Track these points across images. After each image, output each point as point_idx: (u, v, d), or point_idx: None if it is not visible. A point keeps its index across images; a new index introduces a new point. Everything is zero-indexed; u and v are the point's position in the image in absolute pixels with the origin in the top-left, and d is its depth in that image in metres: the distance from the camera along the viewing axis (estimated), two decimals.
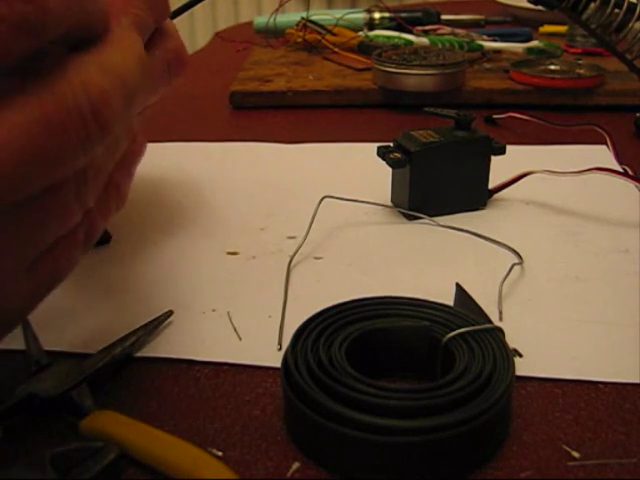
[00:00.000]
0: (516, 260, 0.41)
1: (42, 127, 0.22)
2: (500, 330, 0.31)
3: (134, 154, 0.33)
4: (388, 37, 0.84)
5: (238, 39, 0.96)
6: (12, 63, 0.22)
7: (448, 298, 0.35)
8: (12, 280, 0.25)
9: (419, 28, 0.91)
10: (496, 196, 0.49)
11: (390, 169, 0.47)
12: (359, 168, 0.55)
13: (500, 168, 0.48)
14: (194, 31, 2.37)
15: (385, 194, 0.49)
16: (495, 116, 0.65)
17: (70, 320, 0.36)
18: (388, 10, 0.98)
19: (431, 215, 0.46)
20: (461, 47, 0.81)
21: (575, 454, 0.28)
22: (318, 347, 0.30)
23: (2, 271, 0.24)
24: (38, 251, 0.25)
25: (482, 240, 0.44)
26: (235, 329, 0.36)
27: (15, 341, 0.34)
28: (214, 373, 0.33)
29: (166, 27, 0.32)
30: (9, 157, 0.22)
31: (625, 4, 0.65)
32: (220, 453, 0.28)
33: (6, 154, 0.21)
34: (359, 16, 0.97)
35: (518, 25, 1.03)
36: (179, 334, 0.35)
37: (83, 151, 0.24)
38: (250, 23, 1.05)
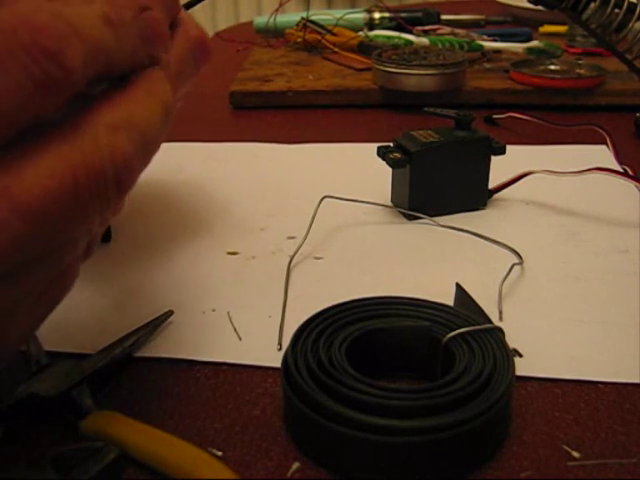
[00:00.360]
0: (516, 260, 0.41)
1: (69, 188, 0.22)
2: (500, 330, 0.31)
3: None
4: (388, 37, 0.84)
5: (238, 39, 0.96)
6: (32, 120, 0.21)
7: (448, 298, 0.35)
8: (22, 312, 0.24)
9: (419, 28, 0.91)
10: (496, 196, 0.49)
11: (390, 169, 0.47)
12: (359, 168, 0.55)
13: (500, 168, 0.48)
14: None
15: (385, 194, 0.49)
16: (495, 116, 0.65)
17: (70, 320, 0.36)
18: (388, 10, 0.98)
19: (431, 215, 0.46)
20: (461, 47, 0.81)
21: (575, 454, 0.28)
22: (318, 347, 0.30)
23: (13, 309, 0.24)
24: (42, 289, 0.25)
25: (482, 240, 0.44)
26: (235, 329, 0.36)
27: None
28: (214, 373, 0.33)
29: (182, 17, 0.32)
30: (29, 216, 0.21)
31: (625, 4, 0.65)
32: (220, 453, 0.28)
33: (26, 213, 0.21)
34: (359, 16, 0.97)
35: (518, 25, 1.03)
36: (179, 334, 0.35)
37: (100, 212, 0.23)
38: (250, 23, 1.05)
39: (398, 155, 0.45)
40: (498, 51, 0.83)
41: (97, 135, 0.23)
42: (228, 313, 0.37)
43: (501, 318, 0.36)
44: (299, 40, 0.88)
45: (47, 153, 0.22)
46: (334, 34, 0.87)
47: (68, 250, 0.25)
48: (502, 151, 0.47)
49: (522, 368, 0.32)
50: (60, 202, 0.22)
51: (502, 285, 0.39)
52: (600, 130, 0.56)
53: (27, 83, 0.20)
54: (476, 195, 0.48)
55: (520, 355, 0.33)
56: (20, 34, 0.20)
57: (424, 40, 0.82)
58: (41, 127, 0.22)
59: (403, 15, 0.96)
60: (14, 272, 0.22)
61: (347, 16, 0.94)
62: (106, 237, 0.43)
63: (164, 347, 0.34)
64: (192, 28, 0.32)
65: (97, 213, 0.23)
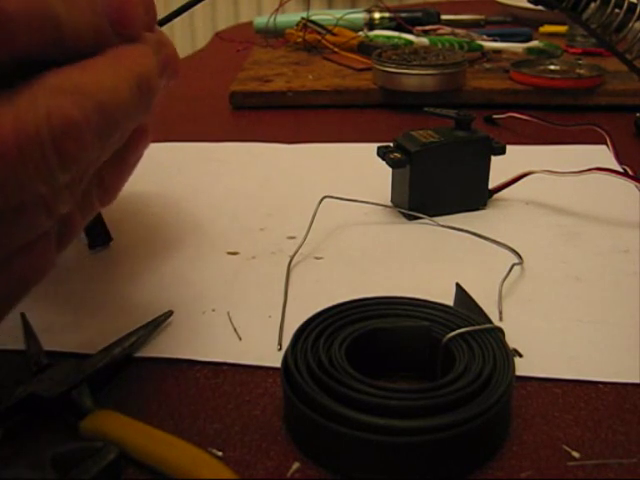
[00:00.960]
0: (516, 260, 0.41)
1: None
2: (500, 330, 0.31)
3: (130, 150, 0.30)
4: (388, 37, 0.84)
5: (238, 39, 0.96)
6: None
7: (448, 298, 0.35)
8: None
9: (419, 28, 0.91)
10: (496, 196, 0.49)
11: (390, 169, 0.47)
12: (359, 168, 0.54)
13: (500, 168, 0.48)
14: (194, 31, 2.37)
15: (385, 194, 0.49)
16: (495, 116, 0.65)
17: (70, 320, 0.36)
18: (388, 10, 0.98)
19: (431, 215, 0.46)
20: (461, 47, 0.81)
21: (575, 454, 0.28)
22: (318, 347, 0.30)
23: None
24: (2, 256, 0.24)
25: (482, 240, 0.44)
26: (235, 329, 0.36)
27: (15, 341, 0.34)
28: (214, 373, 0.33)
29: (158, 33, 0.31)
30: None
31: (625, 4, 0.65)
32: (220, 453, 0.28)
33: None
34: (359, 16, 0.97)
35: (518, 25, 1.03)
36: (179, 334, 0.35)
37: (42, 181, 0.22)
38: (250, 23, 1.05)
39: (398, 155, 0.45)
40: (498, 51, 0.83)
41: (35, 96, 0.21)
42: (228, 313, 0.37)
43: (501, 318, 0.36)
44: (299, 40, 0.88)
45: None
46: (334, 34, 0.87)
47: (22, 221, 0.23)
48: (502, 151, 0.47)
49: (522, 368, 0.32)
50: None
51: (502, 285, 0.39)
52: (600, 130, 0.56)
53: None
54: (476, 195, 0.48)
55: (520, 355, 0.33)
56: None
57: (424, 40, 0.82)
58: None
59: (403, 15, 0.96)
60: None
61: (347, 16, 0.94)
62: (106, 239, 0.43)
63: (164, 347, 0.34)
64: (166, 41, 0.31)
65: (39, 181, 0.22)
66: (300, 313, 0.32)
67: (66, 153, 0.22)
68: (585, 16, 0.66)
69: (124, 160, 0.29)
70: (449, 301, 0.35)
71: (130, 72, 0.25)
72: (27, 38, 0.22)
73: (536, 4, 0.69)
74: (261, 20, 0.99)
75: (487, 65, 0.79)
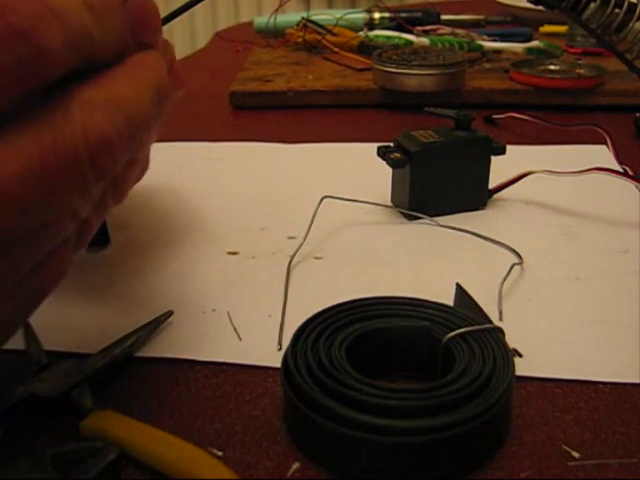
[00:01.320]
0: (516, 260, 0.41)
1: (37, 170, 0.21)
2: (500, 330, 0.31)
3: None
4: (388, 37, 0.85)
5: (238, 39, 0.96)
6: (9, 105, 0.21)
7: (448, 298, 0.35)
8: (4, 296, 0.24)
9: (419, 28, 0.91)
10: (496, 196, 0.49)
11: (390, 169, 0.47)
12: (359, 168, 0.54)
13: (500, 168, 0.48)
14: (194, 31, 2.37)
15: (385, 194, 0.49)
16: (495, 116, 0.65)
17: (70, 320, 0.36)
18: (388, 10, 0.98)
19: (431, 215, 0.46)
20: (461, 47, 0.81)
21: (575, 454, 0.28)
22: (318, 347, 0.30)
23: None
24: (22, 274, 0.24)
25: (482, 240, 0.44)
26: (235, 329, 0.36)
27: (15, 341, 0.34)
28: (214, 373, 0.33)
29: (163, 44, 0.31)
30: None
31: (625, 4, 0.65)
32: (220, 453, 0.28)
33: None
34: (359, 16, 0.97)
35: (518, 25, 1.03)
36: (179, 334, 0.35)
37: (79, 196, 0.23)
38: (250, 23, 1.05)
39: (398, 155, 0.45)
40: (498, 51, 0.83)
41: (70, 113, 0.22)
42: (228, 313, 0.37)
43: (501, 318, 0.36)
44: (299, 40, 0.88)
45: (21, 136, 0.21)
46: (334, 34, 0.87)
47: (49, 234, 0.24)
48: (502, 151, 0.47)
49: (522, 368, 0.32)
50: (27, 184, 0.21)
51: (502, 285, 0.39)
52: (600, 130, 0.56)
53: None
54: (476, 195, 0.48)
55: (520, 355, 0.33)
56: None
57: (424, 40, 0.82)
58: (23, 111, 0.21)
59: (403, 15, 0.96)
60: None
61: (347, 16, 0.94)
62: (104, 241, 0.43)
63: (164, 347, 0.34)
64: (168, 44, 0.31)
65: (76, 196, 0.22)
66: (300, 313, 0.32)
67: (102, 167, 0.22)
68: (585, 16, 0.66)
69: (136, 159, 0.30)
70: (449, 301, 0.35)
71: (150, 81, 0.25)
72: (66, 67, 0.22)
73: (536, 4, 0.69)
74: (261, 20, 0.99)
75: (487, 65, 0.79)
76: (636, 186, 0.49)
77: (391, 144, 0.47)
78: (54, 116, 0.22)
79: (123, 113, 0.23)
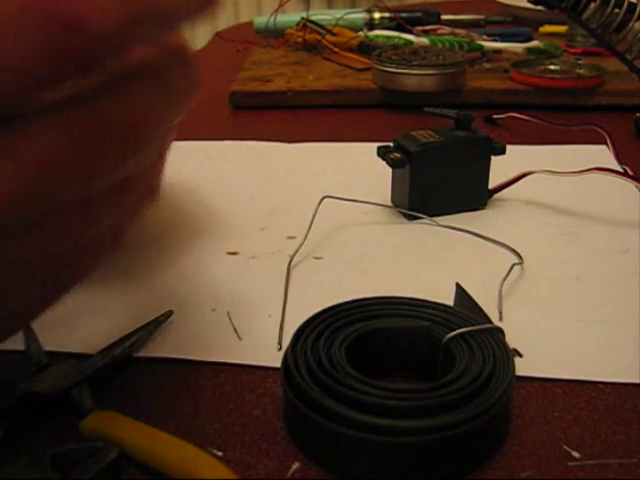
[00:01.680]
0: (516, 260, 0.41)
1: (77, 136, 0.22)
2: (500, 330, 0.31)
3: (167, 145, 0.31)
4: (388, 37, 0.84)
5: (238, 39, 0.96)
6: (58, 86, 0.21)
7: (448, 298, 0.35)
8: (23, 290, 0.24)
9: (419, 28, 0.91)
10: (496, 196, 0.49)
11: (390, 169, 0.47)
12: (359, 168, 0.54)
13: (500, 168, 0.48)
14: (194, 31, 2.37)
15: (385, 194, 0.49)
16: (495, 116, 0.65)
17: (70, 320, 0.36)
18: (388, 10, 0.98)
19: (431, 215, 0.46)
20: (461, 47, 0.81)
21: (575, 454, 0.28)
22: (318, 347, 0.30)
23: (13, 281, 0.23)
24: (58, 254, 0.24)
25: (482, 240, 0.44)
26: (235, 329, 0.36)
27: (15, 341, 0.34)
28: (214, 373, 0.33)
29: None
30: (33, 174, 0.21)
31: (625, 4, 0.65)
32: (220, 453, 0.28)
33: (33, 162, 0.21)
34: (359, 16, 0.97)
35: (518, 25, 1.03)
36: (179, 334, 0.35)
37: (123, 162, 0.23)
38: (250, 23, 1.05)
39: (398, 155, 0.45)
40: (498, 51, 0.83)
41: (114, 91, 0.23)
42: (228, 313, 0.37)
43: (501, 318, 0.36)
44: (299, 40, 0.88)
45: (57, 114, 0.21)
46: (334, 34, 0.87)
47: (85, 217, 0.24)
48: (502, 151, 0.47)
49: (522, 368, 0.32)
50: (65, 158, 0.21)
51: (502, 285, 0.39)
52: (600, 130, 0.56)
53: (40, 47, 0.20)
54: (476, 195, 0.48)
55: (520, 355, 0.33)
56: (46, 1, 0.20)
57: (424, 40, 0.82)
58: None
59: (403, 15, 0.96)
60: (24, 225, 0.22)
61: (347, 16, 0.94)
62: None
63: (164, 347, 0.34)
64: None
65: (121, 162, 0.23)
66: (300, 313, 0.32)
67: (143, 133, 0.24)
68: (585, 16, 0.66)
69: (163, 155, 0.31)
70: (449, 301, 0.35)
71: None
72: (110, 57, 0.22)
73: (536, 4, 0.69)
74: (261, 20, 0.99)
75: (487, 65, 0.79)
76: (636, 186, 0.49)
77: (391, 144, 0.47)
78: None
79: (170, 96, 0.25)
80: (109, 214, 0.25)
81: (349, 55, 0.83)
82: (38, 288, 0.25)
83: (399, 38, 0.83)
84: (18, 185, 0.21)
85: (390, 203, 0.49)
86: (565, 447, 0.28)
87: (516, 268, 0.41)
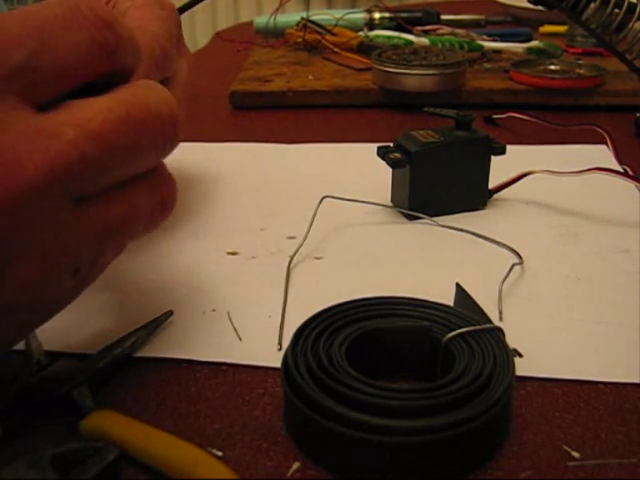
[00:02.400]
0: (516, 260, 0.41)
1: (122, 119, 0.25)
2: (500, 330, 0.31)
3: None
4: (388, 37, 0.85)
5: (238, 39, 0.96)
6: (94, 77, 0.26)
7: (448, 298, 0.35)
8: (59, 281, 0.26)
9: (419, 28, 0.91)
10: (496, 196, 0.49)
11: (390, 169, 0.47)
12: (359, 168, 0.54)
13: (500, 168, 0.48)
14: (194, 31, 2.37)
15: (385, 194, 0.49)
16: (495, 116, 0.65)
17: (70, 320, 0.36)
18: (388, 10, 0.98)
19: (431, 215, 0.46)
20: (461, 47, 0.81)
21: (575, 454, 0.28)
22: (318, 347, 0.30)
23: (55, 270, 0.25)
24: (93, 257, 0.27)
25: (482, 240, 0.44)
26: (235, 329, 0.36)
27: None
28: (214, 373, 0.33)
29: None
30: (93, 137, 0.24)
31: (625, 4, 0.65)
32: (220, 453, 0.28)
33: (91, 134, 0.24)
34: (359, 16, 0.97)
35: (518, 25, 1.04)
36: (179, 334, 0.35)
37: (162, 150, 0.27)
38: (250, 23, 1.05)
39: (398, 155, 0.45)
40: (498, 51, 0.83)
41: (155, 86, 0.27)
42: (228, 313, 0.37)
43: (501, 318, 0.36)
44: (299, 40, 0.88)
45: (104, 97, 0.26)
46: (334, 34, 0.87)
47: (121, 195, 0.27)
48: (502, 151, 0.47)
49: (522, 368, 0.32)
50: (117, 129, 0.25)
51: (502, 285, 0.39)
52: (600, 130, 0.56)
53: (90, 43, 0.25)
54: (476, 195, 0.48)
55: (520, 355, 0.33)
56: (83, 7, 0.25)
57: (424, 40, 0.82)
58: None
59: (403, 15, 0.97)
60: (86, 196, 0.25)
61: (347, 16, 0.94)
62: None
63: (164, 347, 0.34)
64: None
65: (151, 148, 0.27)
66: (300, 313, 0.32)
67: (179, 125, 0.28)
68: (585, 16, 0.66)
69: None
70: (449, 301, 0.35)
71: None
72: (130, 56, 0.28)
73: (536, 4, 0.69)
74: (261, 20, 0.99)
75: (487, 65, 0.79)
76: (636, 186, 0.49)
77: (391, 144, 0.47)
78: (137, 88, 0.27)
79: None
80: (141, 211, 0.28)
81: (349, 55, 0.83)
82: (71, 275, 0.27)
83: (399, 38, 0.83)
84: (80, 149, 0.24)
85: (390, 203, 0.49)
86: (565, 447, 0.28)
87: (516, 268, 0.41)
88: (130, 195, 0.27)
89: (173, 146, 0.28)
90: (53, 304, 0.28)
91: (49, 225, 0.24)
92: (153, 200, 0.28)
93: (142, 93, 0.26)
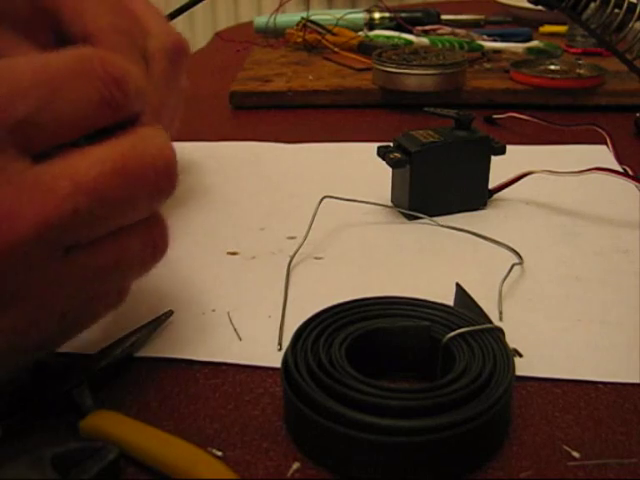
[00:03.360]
0: (516, 260, 0.41)
1: (117, 171, 0.25)
2: (500, 330, 0.31)
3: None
4: (388, 37, 0.84)
5: (238, 39, 0.96)
6: (97, 127, 0.26)
7: (448, 298, 0.35)
8: (45, 326, 0.26)
9: (419, 28, 0.91)
10: (496, 196, 0.49)
11: (390, 169, 0.47)
12: (359, 168, 0.54)
13: (500, 168, 0.48)
14: (194, 31, 2.37)
15: (385, 194, 0.49)
16: (495, 116, 0.65)
17: None
18: (388, 10, 0.98)
19: (431, 215, 0.46)
20: (461, 47, 0.81)
21: (575, 454, 0.28)
22: (318, 347, 0.30)
23: (40, 316, 0.25)
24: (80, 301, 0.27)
25: (482, 240, 0.44)
26: (235, 329, 0.36)
27: None
28: (214, 373, 0.33)
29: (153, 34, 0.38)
30: (87, 191, 0.24)
31: (625, 4, 0.65)
32: (220, 453, 0.28)
33: (85, 188, 0.24)
34: (359, 16, 0.97)
35: (518, 25, 1.03)
36: (179, 334, 0.35)
37: (157, 201, 0.27)
38: (250, 23, 1.05)
39: (398, 155, 0.45)
40: (498, 51, 0.83)
41: (148, 135, 0.27)
42: (228, 313, 0.37)
43: (501, 318, 0.36)
44: (299, 40, 0.88)
45: (101, 147, 0.26)
46: (334, 34, 0.87)
47: (118, 240, 0.27)
48: (502, 151, 0.47)
49: (522, 368, 0.32)
50: (111, 182, 0.25)
51: (502, 285, 0.39)
52: (600, 130, 0.56)
53: (97, 100, 0.25)
54: (476, 195, 0.48)
55: (520, 355, 0.33)
56: (95, 61, 0.26)
57: (424, 40, 0.82)
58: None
59: (403, 15, 0.96)
60: (78, 245, 0.25)
61: (347, 16, 0.94)
62: None
63: (164, 347, 0.34)
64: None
65: (145, 200, 0.27)
66: (300, 313, 0.32)
67: (174, 176, 0.29)
68: (585, 16, 0.66)
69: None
70: (449, 301, 0.35)
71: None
72: (137, 109, 0.28)
73: (536, 4, 0.69)
74: (261, 20, 0.99)
75: (487, 65, 0.79)
76: (636, 186, 0.49)
77: (391, 144, 0.47)
78: (134, 137, 0.27)
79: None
80: (132, 256, 0.28)
81: (349, 55, 0.83)
82: (57, 321, 0.26)
83: (399, 38, 0.83)
84: (74, 203, 0.24)
85: (390, 203, 0.49)
86: (565, 447, 0.28)
87: (516, 268, 0.41)
88: (121, 241, 0.27)
89: (168, 196, 0.28)
90: (33, 347, 0.28)
91: (38, 274, 0.24)
92: (145, 243, 0.28)
93: (139, 143, 0.26)
